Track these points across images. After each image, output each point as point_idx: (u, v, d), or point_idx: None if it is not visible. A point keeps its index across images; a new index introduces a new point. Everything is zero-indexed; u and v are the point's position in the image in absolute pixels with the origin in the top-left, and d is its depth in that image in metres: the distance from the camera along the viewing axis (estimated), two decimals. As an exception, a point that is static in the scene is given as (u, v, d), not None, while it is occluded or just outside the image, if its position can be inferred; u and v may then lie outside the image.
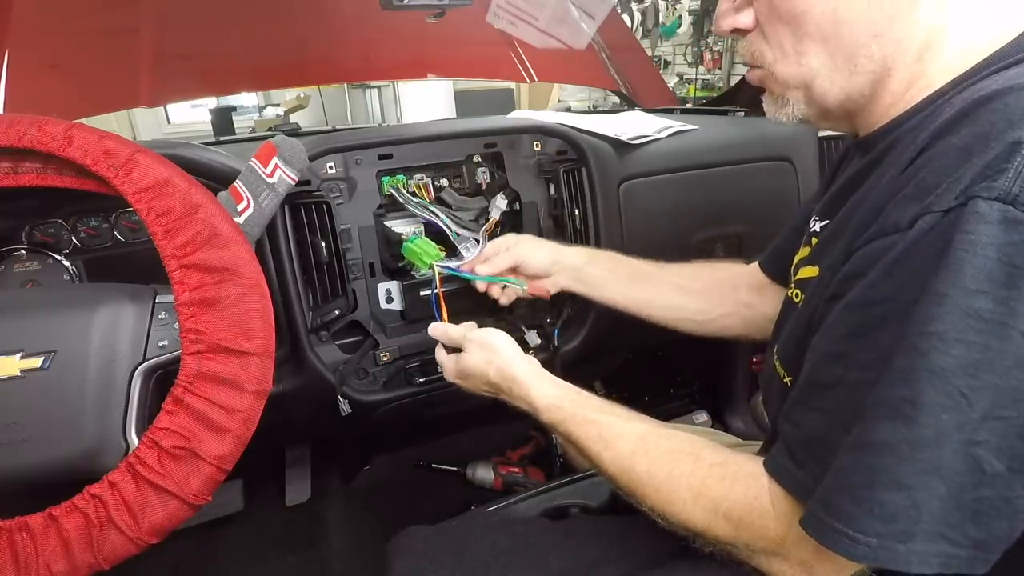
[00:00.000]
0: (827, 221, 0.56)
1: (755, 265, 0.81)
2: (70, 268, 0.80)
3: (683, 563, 0.54)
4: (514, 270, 0.82)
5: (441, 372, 0.74)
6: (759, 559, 0.49)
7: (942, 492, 0.37)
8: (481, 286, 0.82)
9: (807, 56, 0.48)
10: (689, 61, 4.39)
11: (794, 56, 0.49)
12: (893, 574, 0.42)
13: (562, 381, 0.65)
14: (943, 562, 0.38)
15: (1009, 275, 0.35)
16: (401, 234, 0.89)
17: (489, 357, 0.67)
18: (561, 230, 0.98)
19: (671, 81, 4.42)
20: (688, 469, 0.51)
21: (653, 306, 0.81)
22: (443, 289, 0.81)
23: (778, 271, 0.76)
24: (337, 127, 1.41)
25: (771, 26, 0.49)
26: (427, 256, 0.81)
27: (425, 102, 3.63)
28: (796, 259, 0.61)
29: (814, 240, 0.57)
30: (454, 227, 0.85)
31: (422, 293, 0.88)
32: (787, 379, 0.54)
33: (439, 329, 0.74)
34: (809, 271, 0.55)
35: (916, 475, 0.37)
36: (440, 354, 0.75)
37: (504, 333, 0.69)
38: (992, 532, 0.37)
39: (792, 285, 0.60)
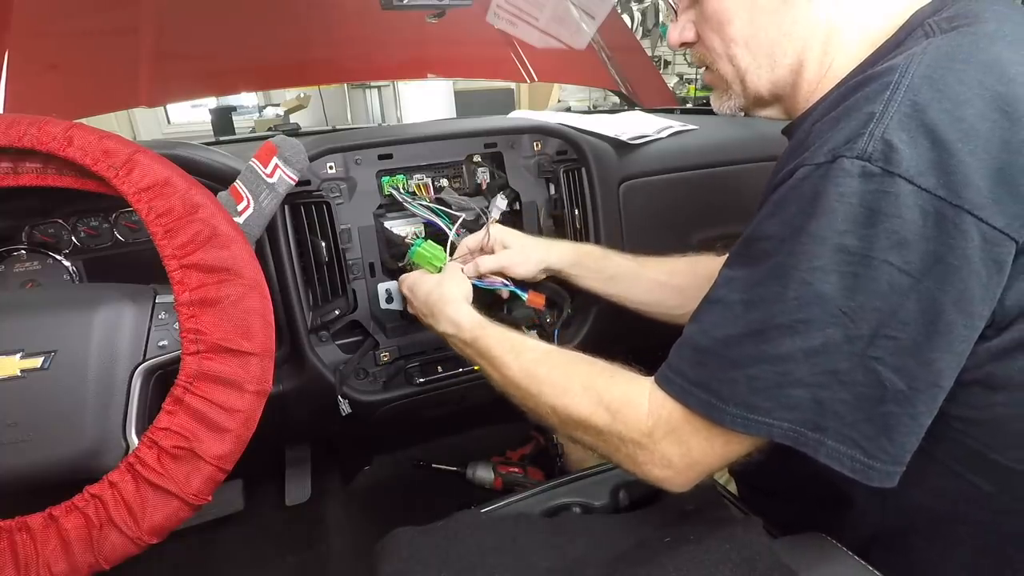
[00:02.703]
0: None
1: None
2: (70, 268, 0.80)
3: (668, 560, 0.54)
4: (499, 273, 0.84)
5: (440, 371, 0.73)
6: (627, 449, 0.54)
7: (847, 398, 0.44)
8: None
9: (737, 57, 0.58)
10: (689, 61, 4.39)
11: (727, 58, 0.59)
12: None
13: None
14: (861, 470, 0.45)
15: (867, 216, 0.43)
16: (404, 236, 0.89)
17: (441, 281, 0.77)
18: (561, 230, 0.98)
19: (671, 81, 4.42)
20: (583, 370, 0.60)
21: (630, 301, 0.87)
22: None
23: None
24: (337, 127, 1.41)
25: (707, 36, 0.60)
26: (436, 260, 0.82)
27: (425, 102, 3.62)
28: None
29: None
30: (454, 227, 0.85)
31: None
32: None
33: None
34: None
35: (813, 375, 0.45)
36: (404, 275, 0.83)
37: (463, 279, 0.78)
38: (905, 448, 0.45)
39: None
